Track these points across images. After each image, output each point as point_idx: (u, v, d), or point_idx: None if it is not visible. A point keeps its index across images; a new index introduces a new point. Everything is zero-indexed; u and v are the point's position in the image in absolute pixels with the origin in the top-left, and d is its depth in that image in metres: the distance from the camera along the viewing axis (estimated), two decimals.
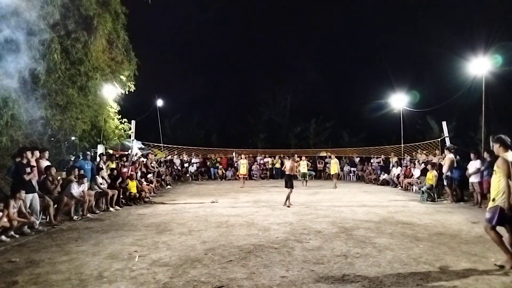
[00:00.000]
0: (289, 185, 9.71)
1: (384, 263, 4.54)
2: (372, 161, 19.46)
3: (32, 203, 6.85)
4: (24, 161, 6.96)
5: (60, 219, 7.52)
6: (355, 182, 19.09)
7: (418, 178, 13.09)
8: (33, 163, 7.31)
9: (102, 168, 9.87)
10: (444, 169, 10.59)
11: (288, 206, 9.44)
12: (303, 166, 16.12)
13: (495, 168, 4.44)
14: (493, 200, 4.34)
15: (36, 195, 6.98)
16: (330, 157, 16.04)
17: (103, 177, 9.61)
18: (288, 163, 10.11)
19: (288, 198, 9.66)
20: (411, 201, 10.78)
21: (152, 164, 14.77)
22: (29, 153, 7.08)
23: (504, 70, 14.07)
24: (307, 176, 16.69)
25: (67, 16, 9.52)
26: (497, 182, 4.33)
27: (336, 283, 3.84)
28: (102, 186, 9.31)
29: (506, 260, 4.27)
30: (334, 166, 15.40)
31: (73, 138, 11.66)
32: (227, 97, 35.75)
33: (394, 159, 16.72)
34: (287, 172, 9.99)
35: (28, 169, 6.88)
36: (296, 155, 10.62)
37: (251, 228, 6.81)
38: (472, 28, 21.53)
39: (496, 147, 4.55)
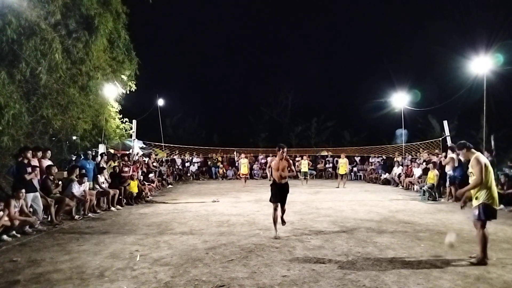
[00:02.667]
0: (285, 198, 6.32)
1: (385, 262, 4.53)
2: (373, 160, 19.48)
3: (34, 202, 6.87)
4: (25, 161, 6.98)
5: (61, 218, 7.53)
6: (356, 181, 19.08)
7: (419, 177, 13.08)
8: (36, 162, 7.33)
9: (104, 168, 9.89)
10: (447, 168, 10.59)
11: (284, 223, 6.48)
12: (304, 165, 16.09)
13: (470, 170, 4.64)
14: (476, 198, 4.55)
15: (37, 194, 7.00)
16: (340, 156, 15.70)
17: (104, 177, 9.63)
18: (277, 162, 6.23)
19: (283, 215, 6.42)
20: (412, 200, 10.77)
21: (154, 164, 14.78)
22: (29, 153, 7.10)
23: (505, 69, 14.04)
24: (308, 175, 16.64)
25: (68, 16, 9.53)
26: None
27: (337, 282, 3.84)
28: (103, 186, 9.33)
29: (478, 257, 4.46)
30: (344, 166, 15.22)
31: (74, 137, 11.68)
32: (228, 96, 35.80)
33: (398, 158, 16.71)
34: (281, 178, 6.23)
35: (29, 169, 6.90)
36: (284, 149, 6.21)
37: (252, 227, 6.81)
38: (473, 27, 21.43)
39: (463, 153, 4.78)
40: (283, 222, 6.46)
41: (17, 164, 6.95)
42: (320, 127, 30.75)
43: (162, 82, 30.18)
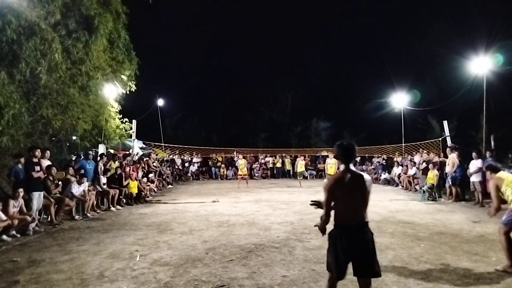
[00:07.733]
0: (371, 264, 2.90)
1: (385, 262, 4.53)
2: (372, 160, 19.49)
3: (38, 201, 6.89)
4: (34, 159, 7.07)
5: (61, 218, 7.53)
6: None
7: (414, 175, 13.12)
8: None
9: (108, 170, 9.92)
10: (449, 169, 10.58)
11: None
12: (300, 165, 16.03)
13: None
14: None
15: (42, 193, 7.03)
16: (328, 156, 15.59)
17: (106, 178, 9.67)
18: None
19: None
20: (412, 201, 10.76)
21: (154, 164, 14.77)
22: (38, 152, 7.15)
23: (505, 69, 14.05)
24: (308, 175, 16.57)
25: (68, 16, 9.53)
26: None
27: None
28: (104, 186, 9.35)
29: (507, 265, 4.19)
30: (334, 167, 15.10)
31: (74, 137, 11.67)
32: (227, 97, 35.78)
33: (398, 158, 16.71)
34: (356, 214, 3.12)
35: (38, 167, 6.96)
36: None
37: (252, 227, 6.81)
38: (473, 27, 21.47)
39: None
40: None
41: (26, 162, 7.00)
42: (319, 127, 30.78)
43: (162, 82, 30.27)
